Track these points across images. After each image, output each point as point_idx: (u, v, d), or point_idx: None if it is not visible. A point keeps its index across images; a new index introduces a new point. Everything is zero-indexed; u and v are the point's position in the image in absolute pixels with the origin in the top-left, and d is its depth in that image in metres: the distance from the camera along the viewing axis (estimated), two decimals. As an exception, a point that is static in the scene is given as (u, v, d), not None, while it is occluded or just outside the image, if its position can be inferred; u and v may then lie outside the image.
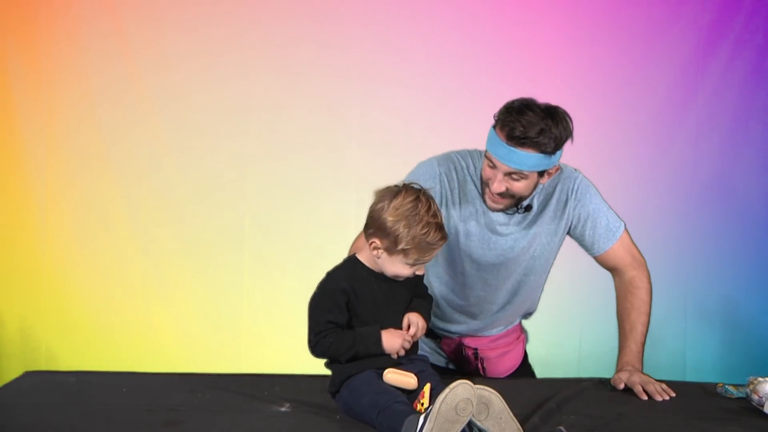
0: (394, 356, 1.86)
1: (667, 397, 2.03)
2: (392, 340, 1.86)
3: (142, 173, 3.52)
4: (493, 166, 2.07)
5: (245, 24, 3.49)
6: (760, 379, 1.95)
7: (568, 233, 2.27)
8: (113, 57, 3.47)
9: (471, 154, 2.25)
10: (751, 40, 3.51)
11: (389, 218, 1.82)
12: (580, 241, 2.28)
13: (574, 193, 2.22)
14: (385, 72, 3.51)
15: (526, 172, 2.05)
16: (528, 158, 2.03)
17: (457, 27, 3.50)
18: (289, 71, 3.51)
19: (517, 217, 2.20)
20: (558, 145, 2.05)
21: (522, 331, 2.44)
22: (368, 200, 1.91)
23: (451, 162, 2.22)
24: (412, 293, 1.97)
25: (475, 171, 2.21)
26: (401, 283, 1.91)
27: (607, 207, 2.26)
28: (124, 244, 3.53)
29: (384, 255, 1.85)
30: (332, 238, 3.19)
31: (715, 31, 3.51)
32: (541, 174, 2.10)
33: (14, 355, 3.51)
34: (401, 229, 1.81)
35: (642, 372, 2.14)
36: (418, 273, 1.89)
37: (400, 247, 1.82)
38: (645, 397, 2.03)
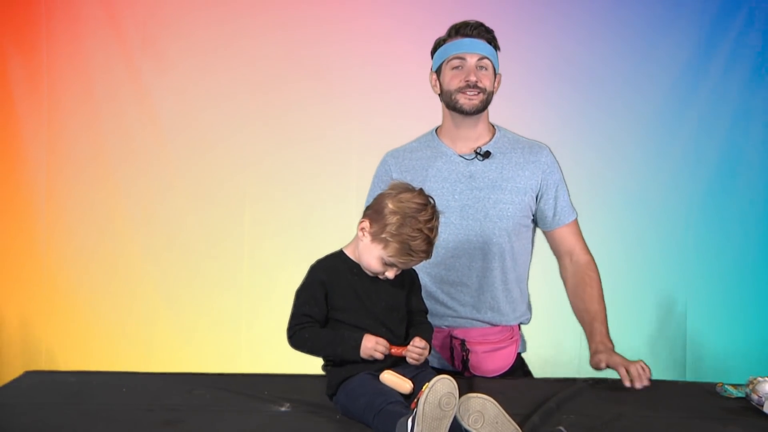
0: (376, 356, 1.83)
1: (647, 382, 2.06)
2: (368, 344, 1.83)
3: (142, 173, 3.53)
4: (460, 66, 2.24)
5: (245, 24, 3.49)
6: (760, 378, 1.95)
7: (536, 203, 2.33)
8: (113, 57, 3.48)
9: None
10: (751, 40, 3.51)
11: (390, 205, 1.84)
12: (543, 212, 2.32)
13: (546, 158, 2.31)
14: (386, 72, 3.52)
15: (488, 61, 2.25)
16: (485, 46, 2.25)
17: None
18: (289, 72, 3.52)
19: (478, 163, 2.27)
20: (497, 45, 2.29)
21: (517, 333, 2.39)
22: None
23: (393, 152, 2.39)
24: (405, 292, 1.95)
25: (419, 141, 2.37)
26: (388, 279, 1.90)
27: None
28: (124, 244, 3.54)
29: (367, 239, 1.86)
30: (332, 238, 3.18)
31: (715, 31, 3.51)
32: (494, 75, 2.28)
33: (14, 355, 3.52)
34: (394, 219, 1.82)
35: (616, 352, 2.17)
36: (387, 275, 1.87)
37: (383, 235, 1.82)
38: (628, 383, 2.05)
